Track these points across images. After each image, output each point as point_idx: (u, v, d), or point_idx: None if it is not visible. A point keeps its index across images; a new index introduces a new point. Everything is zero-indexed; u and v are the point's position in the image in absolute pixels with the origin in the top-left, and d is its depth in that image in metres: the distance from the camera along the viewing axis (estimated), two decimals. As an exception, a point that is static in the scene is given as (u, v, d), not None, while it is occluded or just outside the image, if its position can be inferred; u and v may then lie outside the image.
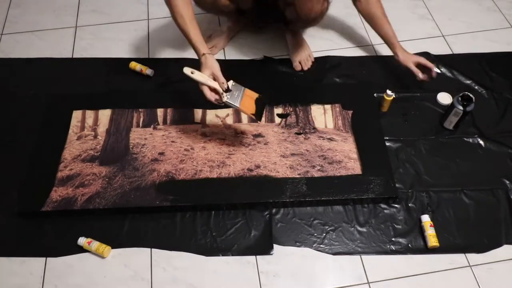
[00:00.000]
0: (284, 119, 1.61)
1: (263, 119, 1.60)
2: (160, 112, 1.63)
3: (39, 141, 1.55)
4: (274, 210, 1.43)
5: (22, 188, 1.44)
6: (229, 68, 1.80)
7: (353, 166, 1.47)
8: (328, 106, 1.63)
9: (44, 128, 1.58)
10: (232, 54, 1.88)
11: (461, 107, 1.49)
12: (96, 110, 1.63)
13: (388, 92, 1.60)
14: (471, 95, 1.49)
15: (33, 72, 1.81)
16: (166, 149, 1.53)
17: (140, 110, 1.63)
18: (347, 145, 1.52)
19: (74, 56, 1.88)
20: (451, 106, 1.52)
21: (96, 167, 1.48)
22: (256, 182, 1.43)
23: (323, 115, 1.61)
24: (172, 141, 1.55)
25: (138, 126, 1.60)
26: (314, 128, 1.58)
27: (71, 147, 1.53)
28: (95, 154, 1.52)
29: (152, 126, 1.60)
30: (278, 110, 1.63)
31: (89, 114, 1.62)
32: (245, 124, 1.60)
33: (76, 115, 1.62)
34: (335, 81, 1.76)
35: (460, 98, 1.49)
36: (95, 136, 1.57)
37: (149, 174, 1.45)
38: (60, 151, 1.52)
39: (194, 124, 1.60)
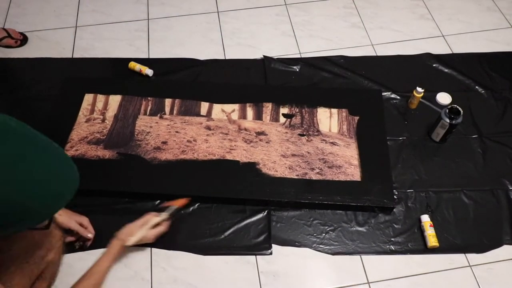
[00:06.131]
0: (289, 119, 1.61)
1: (268, 117, 1.61)
2: (168, 102, 1.65)
3: (49, 120, 1.59)
4: (273, 210, 1.43)
5: None
6: (229, 68, 1.82)
7: (353, 173, 1.46)
8: (335, 110, 1.63)
9: (56, 108, 1.63)
10: (232, 54, 1.88)
11: (447, 120, 1.47)
12: (107, 95, 1.66)
13: (418, 89, 1.60)
14: (459, 108, 1.47)
15: (33, 72, 1.81)
16: (169, 138, 1.54)
17: (149, 98, 1.66)
18: (349, 151, 1.52)
19: (74, 56, 1.88)
20: (439, 118, 1.51)
21: (101, 150, 1.51)
22: (254, 179, 1.44)
23: (328, 119, 1.61)
24: (176, 132, 1.56)
25: (145, 114, 1.63)
26: (318, 130, 1.58)
27: (79, 128, 1.57)
28: (101, 137, 1.55)
29: (158, 115, 1.62)
30: (284, 110, 1.63)
31: (100, 98, 1.66)
32: (249, 121, 1.61)
33: (88, 98, 1.66)
34: (343, 84, 1.75)
35: (448, 111, 1.47)
36: (103, 120, 1.60)
37: (151, 161, 1.48)
38: (68, 131, 1.56)
39: (200, 117, 1.61)
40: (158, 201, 1.45)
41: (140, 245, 1.36)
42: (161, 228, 1.29)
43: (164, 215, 1.30)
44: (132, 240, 1.23)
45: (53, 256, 1.10)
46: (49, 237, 1.08)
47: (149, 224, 1.26)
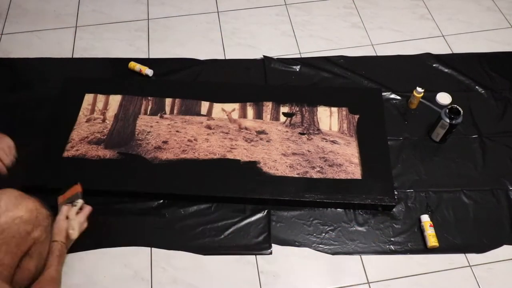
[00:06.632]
0: (289, 118, 1.61)
1: (268, 116, 1.61)
2: (168, 101, 1.66)
3: (50, 120, 1.59)
4: (273, 210, 1.43)
5: (30, 164, 1.47)
6: (229, 68, 1.82)
7: (353, 171, 1.46)
8: (335, 109, 1.63)
9: (56, 108, 1.63)
10: (232, 54, 1.88)
11: (447, 120, 1.47)
12: (107, 95, 1.67)
13: (418, 89, 1.60)
14: (459, 108, 1.47)
15: (33, 72, 1.81)
16: (170, 138, 1.54)
17: (149, 98, 1.67)
18: (349, 149, 1.52)
19: (74, 56, 1.88)
20: (439, 118, 1.51)
21: (101, 150, 1.52)
22: (254, 178, 1.45)
23: (329, 117, 1.61)
24: (177, 131, 1.57)
25: (145, 113, 1.63)
26: (319, 129, 1.58)
27: (79, 128, 1.58)
28: (102, 137, 1.55)
29: (159, 114, 1.62)
30: (284, 109, 1.64)
31: (100, 98, 1.66)
32: (250, 120, 1.61)
33: (88, 98, 1.66)
34: (343, 84, 1.76)
35: (447, 111, 1.47)
36: (104, 120, 1.60)
37: (151, 161, 1.49)
38: (69, 131, 1.56)
39: (200, 116, 1.62)
40: (161, 200, 1.45)
41: (139, 245, 1.37)
42: (86, 210, 1.31)
43: (79, 202, 1.32)
44: (74, 234, 1.24)
45: (40, 233, 1.12)
46: (34, 213, 1.10)
47: (73, 213, 1.28)
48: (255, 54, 1.87)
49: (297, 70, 1.80)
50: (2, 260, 1.02)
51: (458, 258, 1.35)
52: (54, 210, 1.29)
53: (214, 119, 1.61)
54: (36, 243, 1.12)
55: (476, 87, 1.74)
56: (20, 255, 1.07)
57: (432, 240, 1.34)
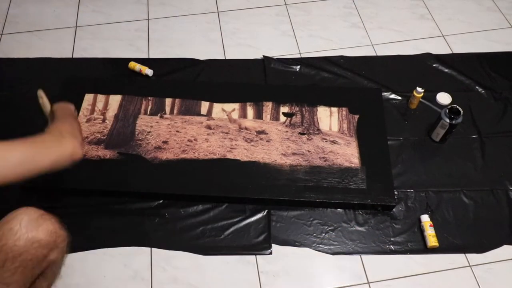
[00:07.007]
0: (289, 118, 1.61)
1: (268, 116, 1.61)
2: (168, 101, 1.66)
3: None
4: (273, 210, 1.43)
5: None
6: (229, 68, 1.82)
7: (353, 170, 1.46)
8: (335, 109, 1.63)
9: None
10: (232, 54, 1.88)
11: (447, 120, 1.47)
12: (107, 95, 1.67)
13: (418, 89, 1.60)
14: (459, 108, 1.47)
15: (33, 72, 1.81)
16: (170, 138, 1.55)
17: (149, 98, 1.67)
18: (349, 149, 1.52)
19: (74, 56, 1.88)
20: (439, 118, 1.51)
21: (101, 150, 1.52)
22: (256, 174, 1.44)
23: (329, 117, 1.61)
24: (177, 131, 1.57)
25: (145, 113, 1.63)
26: (318, 129, 1.58)
27: None
28: (102, 137, 1.56)
29: (159, 114, 1.62)
30: (284, 109, 1.64)
31: (100, 98, 1.67)
32: (250, 120, 1.61)
33: (88, 98, 1.66)
34: (343, 84, 1.76)
35: (447, 111, 1.47)
36: (104, 120, 1.61)
37: (151, 161, 1.49)
38: None
39: (200, 116, 1.62)
40: (161, 200, 1.45)
41: (140, 245, 1.37)
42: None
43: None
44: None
45: (56, 256, 1.10)
46: (53, 236, 1.08)
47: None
48: (255, 54, 1.87)
49: (297, 70, 1.80)
50: (18, 282, 1.01)
51: (458, 258, 1.35)
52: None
53: (214, 119, 1.61)
54: (51, 265, 1.12)
55: (476, 87, 1.74)
56: (34, 277, 1.07)
57: (432, 240, 1.34)
